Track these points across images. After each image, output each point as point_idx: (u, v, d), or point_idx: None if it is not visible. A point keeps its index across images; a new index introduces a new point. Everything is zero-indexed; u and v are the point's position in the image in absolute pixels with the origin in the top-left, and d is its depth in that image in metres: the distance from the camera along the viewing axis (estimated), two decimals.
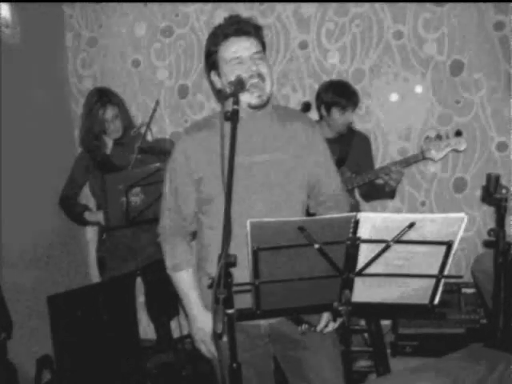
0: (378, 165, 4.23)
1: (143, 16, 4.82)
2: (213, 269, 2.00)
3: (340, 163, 3.82)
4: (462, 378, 2.31)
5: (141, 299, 4.42)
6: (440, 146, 3.73)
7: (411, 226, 1.79)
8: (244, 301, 1.99)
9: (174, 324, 4.38)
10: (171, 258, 2.48)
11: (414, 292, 1.96)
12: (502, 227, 3.02)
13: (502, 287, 3.02)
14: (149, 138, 4.06)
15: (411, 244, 1.84)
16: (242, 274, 1.96)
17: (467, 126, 4.34)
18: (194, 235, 2.58)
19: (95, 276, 4.61)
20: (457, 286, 4.22)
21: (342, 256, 1.87)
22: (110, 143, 4.03)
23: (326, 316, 2.44)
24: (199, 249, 2.53)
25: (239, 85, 2.23)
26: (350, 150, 3.97)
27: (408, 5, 4.38)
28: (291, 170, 2.40)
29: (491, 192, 3.05)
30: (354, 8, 4.46)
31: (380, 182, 3.84)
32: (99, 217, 3.91)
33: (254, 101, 2.34)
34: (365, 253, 1.86)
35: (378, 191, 3.95)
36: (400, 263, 1.88)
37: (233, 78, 2.27)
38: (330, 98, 3.85)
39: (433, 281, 1.93)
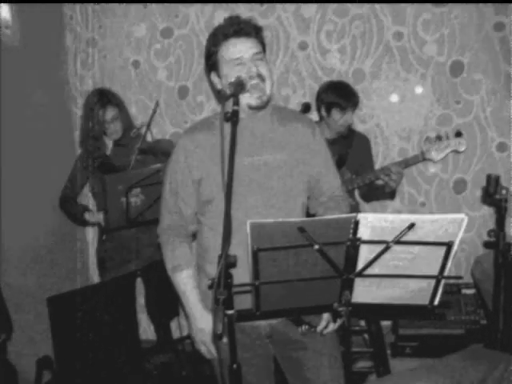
0: (378, 166, 4.23)
1: (143, 17, 4.82)
2: (213, 270, 2.00)
3: (340, 164, 3.82)
4: (462, 378, 2.30)
5: (141, 300, 4.42)
6: (440, 147, 3.73)
7: (411, 226, 1.79)
8: (244, 301, 1.99)
9: (173, 325, 4.38)
10: (171, 259, 2.47)
11: (414, 293, 1.96)
12: (502, 228, 3.02)
13: (502, 288, 3.02)
14: (149, 138, 4.06)
15: (411, 245, 1.84)
16: (241, 274, 1.96)
17: (467, 126, 4.34)
18: (194, 236, 2.58)
19: (95, 277, 4.62)
20: (457, 286, 4.22)
21: (341, 257, 1.87)
22: (109, 144, 4.03)
23: (326, 317, 2.44)
24: (199, 250, 2.53)
25: (239, 86, 2.23)
26: (350, 150, 3.97)
27: (408, 5, 4.38)
28: (291, 171, 2.40)
29: (491, 193, 3.05)
30: (353, 9, 4.46)
31: (380, 182, 3.83)
32: (99, 217, 3.91)
33: (254, 102, 2.34)
34: (365, 254, 1.86)
35: (378, 192, 3.95)
36: (400, 264, 1.88)
37: (233, 79, 2.27)
38: (330, 98, 3.84)
39: (433, 281, 1.93)
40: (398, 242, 1.82)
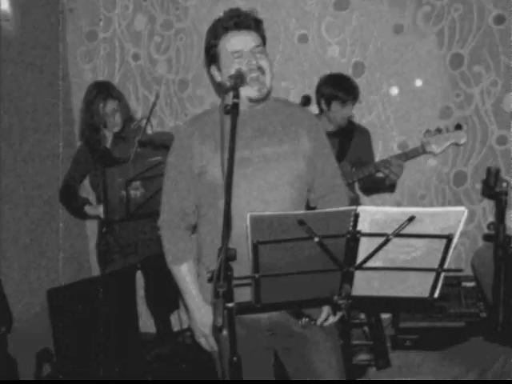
0: (378, 158, 4.23)
1: (143, 9, 4.81)
2: (213, 262, 2.00)
3: (340, 157, 3.82)
4: (463, 371, 2.31)
5: (141, 293, 4.42)
6: (440, 140, 3.72)
7: (411, 219, 1.78)
8: (244, 294, 1.99)
9: (173, 317, 4.38)
10: (171, 252, 2.47)
11: (414, 285, 1.96)
12: (501, 221, 3.02)
13: (502, 281, 3.02)
14: (149, 131, 4.06)
15: (411, 237, 1.83)
16: (242, 267, 1.95)
17: (467, 119, 4.34)
18: (195, 228, 2.58)
19: (95, 270, 4.62)
20: (457, 279, 4.22)
21: (341, 249, 1.87)
22: (110, 137, 4.02)
23: (326, 309, 2.44)
24: (199, 242, 2.52)
25: (239, 78, 2.22)
26: (350, 143, 3.96)
27: None
28: (291, 164, 2.39)
29: (491, 185, 3.05)
30: (353, 1, 4.45)
31: (380, 175, 3.84)
32: (99, 210, 3.91)
33: (254, 94, 2.33)
34: (365, 246, 1.86)
35: (378, 185, 3.95)
36: (400, 257, 1.88)
37: (233, 72, 2.27)
38: (330, 91, 3.84)
39: (433, 274, 1.92)
40: (397, 234, 1.81)
